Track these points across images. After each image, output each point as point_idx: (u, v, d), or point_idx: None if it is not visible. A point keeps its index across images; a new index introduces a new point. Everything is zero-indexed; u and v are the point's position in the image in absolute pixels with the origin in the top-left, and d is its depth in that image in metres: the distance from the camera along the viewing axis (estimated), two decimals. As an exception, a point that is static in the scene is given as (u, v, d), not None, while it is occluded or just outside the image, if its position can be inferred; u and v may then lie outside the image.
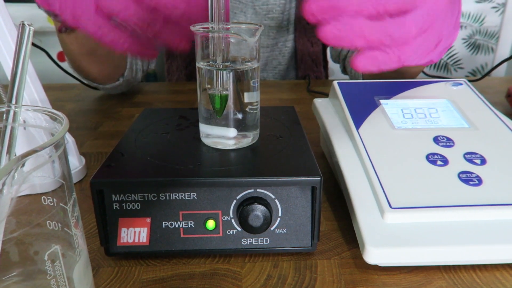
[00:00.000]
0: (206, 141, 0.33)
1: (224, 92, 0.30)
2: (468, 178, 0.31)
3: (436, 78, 0.51)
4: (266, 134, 0.34)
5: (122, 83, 0.64)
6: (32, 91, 0.36)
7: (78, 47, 0.57)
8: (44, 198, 0.22)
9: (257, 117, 0.33)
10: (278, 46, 0.81)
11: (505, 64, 1.55)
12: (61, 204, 0.22)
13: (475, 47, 1.56)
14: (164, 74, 0.89)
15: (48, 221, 0.22)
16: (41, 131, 0.30)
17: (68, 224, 0.22)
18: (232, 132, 0.31)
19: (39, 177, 0.22)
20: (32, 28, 0.24)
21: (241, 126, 0.31)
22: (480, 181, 0.31)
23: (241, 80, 0.30)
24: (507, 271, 0.28)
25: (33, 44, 0.63)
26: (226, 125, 0.31)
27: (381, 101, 0.41)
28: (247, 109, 0.31)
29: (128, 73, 0.64)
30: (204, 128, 0.32)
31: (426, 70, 1.56)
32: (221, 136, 0.31)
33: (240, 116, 0.31)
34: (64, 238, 0.22)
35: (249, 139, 0.32)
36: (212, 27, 0.29)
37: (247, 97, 0.31)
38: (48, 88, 0.73)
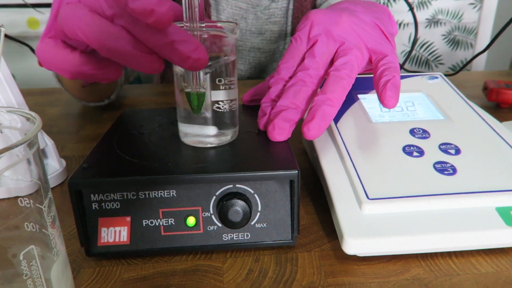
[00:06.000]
0: (185, 140, 0.33)
1: (201, 90, 0.30)
2: (443, 168, 0.32)
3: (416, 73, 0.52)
4: (245, 131, 0.35)
5: (107, 103, 0.64)
6: (8, 95, 0.36)
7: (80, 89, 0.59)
8: (20, 200, 0.22)
9: (235, 114, 0.33)
10: (279, 50, 0.80)
11: (484, 59, 1.58)
12: (37, 205, 0.22)
13: (454, 43, 1.59)
14: (151, 79, 0.88)
15: (25, 223, 0.22)
16: (17, 133, 0.30)
17: (44, 225, 0.22)
18: (212, 130, 0.31)
19: (16, 181, 0.22)
20: (3, 29, 0.24)
21: (219, 124, 0.32)
22: (454, 171, 0.31)
23: (219, 78, 0.30)
24: (482, 256, 0.29)
25: (18, 40, 0.62)
26: (205, 123, 0.31)
27: (359, 95, 0.41)
28: (225, 106, 0.31)
29: (114, 96, 0.64)
30: (183, 127, 0.33)
31: (406, 66, 1.58)
32: (201, 135, 0.32)
33: (218, 114, 0.31)
34: (42, 240, 0.22)
35: (228, 137, 0.32)
36: (186, 26, 0.29)
37: (224, 95, 0.31)
38: (28, 93, 0.72)
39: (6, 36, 0.51)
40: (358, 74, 0.38)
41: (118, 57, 0.28)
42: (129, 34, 0.28)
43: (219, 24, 0.30)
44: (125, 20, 0.28)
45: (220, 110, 0.31)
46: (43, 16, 1.38)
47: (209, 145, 0.32)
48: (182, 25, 0.29)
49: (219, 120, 0.31)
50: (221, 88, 0.31)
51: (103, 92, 0.61)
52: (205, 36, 0.29)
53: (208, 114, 0.31)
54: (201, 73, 0.30)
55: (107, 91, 0.62)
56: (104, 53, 0.28)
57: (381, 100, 0.32)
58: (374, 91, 0.42)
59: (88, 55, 0.31)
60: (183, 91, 0.31)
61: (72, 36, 0.29)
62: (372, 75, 0.44)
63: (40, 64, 0.33)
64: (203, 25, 0.29)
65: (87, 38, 0.28)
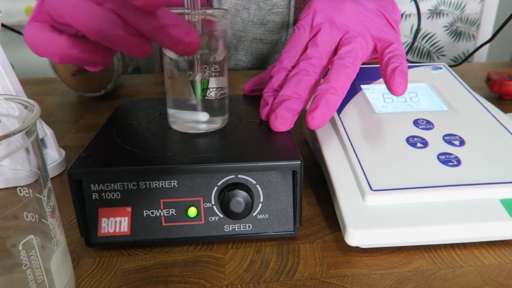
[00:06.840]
0: (175, 126, 0.33)
1: (205, 78, 0.30)
2: (447, 159, 0.31)
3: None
4: (247, 121, 0.34)
5: (103, 94, 0.63)
6: (6, 83, 0.35)
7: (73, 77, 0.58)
8: (19, 189, 0.21)
9: (224, 102, 0.33)
10: (281, 41, 0.79)
11: (486, 50, 1.57)
12: (36, 194, 0.21)
13: (456, 34, 1.58)
14: (152, 69, 0.86)
15: (25, 213, 0.22)
16: (15, 121, 0.29)
17: (43, 214, 0.22)
18: (203, 116, 0.31)
19: (15, 170, 0.22)
20: (0, 15, 0.23)
21: (207, 111, 0.32)
22: (458, 162, 0.31)
23: (205, 65, 0.30)
24: (485, 248, 0.28)
25: (15, 30, 0.61)
26: (195, 110, 0.31)
27: (362, 86, 0.41)
28: (211, 94, 0.31)
29: (110, 86, 0.63)
30: (172, 113, 0.33)
31: (408, 57, 1.57)
32: (191, 121, 0.32)
33: (206, 101, 0.31)
34: (41, 230, 0.22)
35: (217, 124, 0.33)
36: (177, 11, 0.28)
37: (217, 82, 0.31)
38: (27, 83, 0.72)
39: (3, 25, 0.50)
40: (363, 63, 0.37)
41: (107, 40, 0.27)
42: (118, 17, 0.27)
43: (209, 11, 0.30)
44: (115, 4, 0.27)
45: (206, 98, 0.31)
46: (41, 5, 1.36)
47: (198, 131, 0.32)
48: (177, 11, 0.29)
49: (207, 107, 0.31)
50: (215, 75, 0.31)
51: (97, 82, 0.60)
52: (196, 20, 0.28)
53: (195, 101, 0.31)
54: (202, 60, 0.29)
55: (102, 81, 0.61)
56: (93, 36, 0.27)
57: (390, 87, 0.31)
58: (377, 81, 0.41)
59: (76, 38, 0.30)
60: (172, 77, 0.30)
61: (60, 19, 0.29)
62: (375, 65, 0.43)
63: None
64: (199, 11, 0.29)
65: (74, 22, 0.27)
